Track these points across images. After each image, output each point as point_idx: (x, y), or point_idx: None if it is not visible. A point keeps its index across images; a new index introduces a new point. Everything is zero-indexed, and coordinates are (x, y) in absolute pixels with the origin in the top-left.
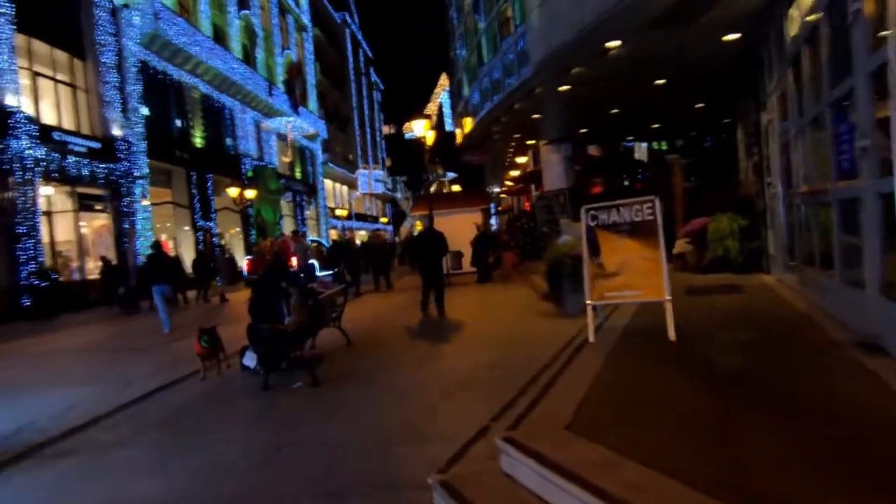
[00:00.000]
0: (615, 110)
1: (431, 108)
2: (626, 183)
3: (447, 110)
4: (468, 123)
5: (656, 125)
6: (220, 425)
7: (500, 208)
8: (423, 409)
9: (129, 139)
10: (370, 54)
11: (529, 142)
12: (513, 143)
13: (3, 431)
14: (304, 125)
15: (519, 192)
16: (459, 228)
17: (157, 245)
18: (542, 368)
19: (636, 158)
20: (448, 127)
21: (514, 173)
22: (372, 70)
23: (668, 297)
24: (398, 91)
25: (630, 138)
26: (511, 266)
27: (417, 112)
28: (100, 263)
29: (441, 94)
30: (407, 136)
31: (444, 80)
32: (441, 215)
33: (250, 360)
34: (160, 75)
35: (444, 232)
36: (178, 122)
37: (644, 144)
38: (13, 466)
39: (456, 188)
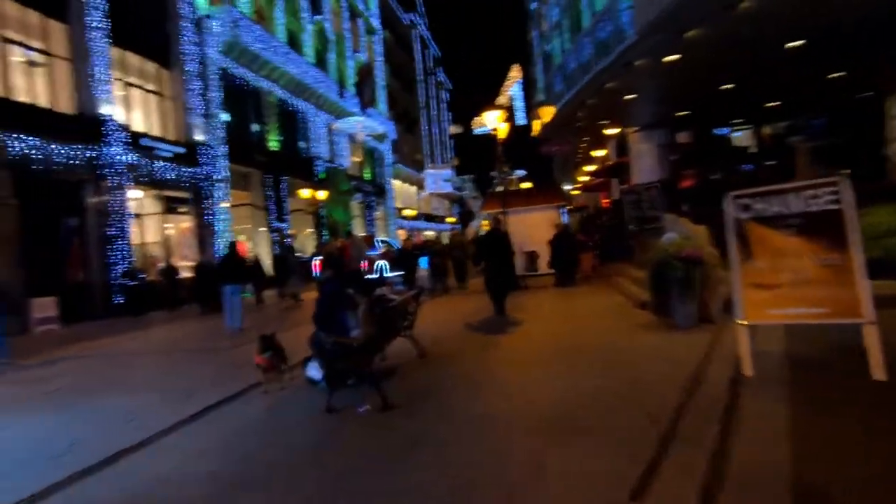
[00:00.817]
0: (728, 86)
1: (502, 101)
2: (720, 175)
3: (519, 103)
4: (547, 112)
5: (773, 103)
6: (274, 465)
7: (570, 207)
8: (527, 461)
9: (211, 144)
10: (438, 54)
11: (611, 131)
12: (586, 138)
13: (55, 450)
14: (374, 125)
15: (595, 189)
16: (535, 227)
17: (232, 246)
18: (679, 409)
19: (734, 146)
20: (519, 121)
21: (589, 168)
22: (440, 70)
23: (870, 319)
24: (466, 90)
25: (737, 122)
26: (590, 269)
27: (487, 106)
28: (185, 263)
29: (512, 87)
30: (476, 131)
31: (515, 72)
32: (515, 213)
33: (315, 371)
34: (239, 81)
35: (518, 231)
36: (255, 127)
37: (736, 133)
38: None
39: (525, 186)
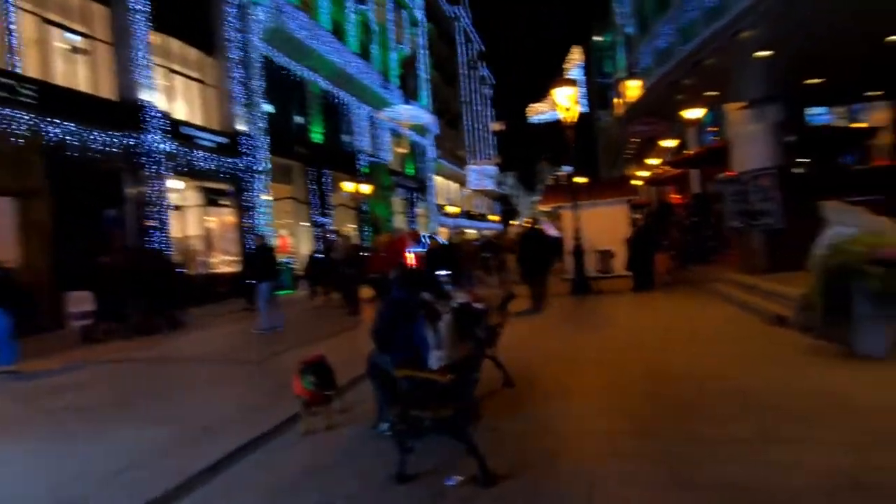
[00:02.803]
0: (892, 37)
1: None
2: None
3: (581, 89)
4: (633, 89)
5: None
6: None
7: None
8: None
9: (252, 134)
10: (482, 48)
11: (694, 114)
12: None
13: None
14: (419, 114)
15: (662, 182)
16: (605, 223)
17: (262, 240)
18: None
19: (853, 127)
20: (582, 108)
21: (652, 162)
22: (483, 65)
23: None
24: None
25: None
26: (665, 271)
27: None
28: (226, 258)
29: (572, 70)
30: (533, 119)
31: (577, 54)
32: (583, 208)
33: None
34: (282, 71)
35: (588, 228)
36: (298, 118)
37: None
38: None
39: (580, 181)
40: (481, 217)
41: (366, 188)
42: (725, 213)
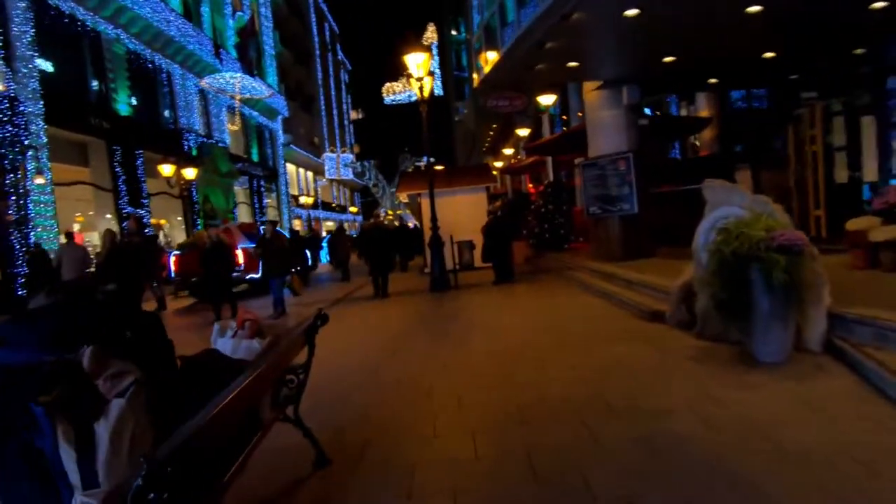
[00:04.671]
0: (753, 7)
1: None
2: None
3: (435, 70)
4: (489, 61)
5: (770, 54)
6: None
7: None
8: None
9: (16, 96)
10: (336, 30)
11: (547, 101)
12: (494, 127)
13: None
14: (255, 85)
15: (520, 171)
16: (465, 212)
17: (38, 247)
18: None
19: (693, 117)
20: (436, 90)
21: (507, 152)
22: (339, 48)
23: None
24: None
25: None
26: (523, 260)
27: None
28: None
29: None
30: (388, 100)
31: (430, 33)
32: (439, 195)
33: None
34: (65, 20)
35: (445, 218)
36: (96, 84)
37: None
38: None
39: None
40: (341, 209)
41: (191, 172)
42: (584, 199)
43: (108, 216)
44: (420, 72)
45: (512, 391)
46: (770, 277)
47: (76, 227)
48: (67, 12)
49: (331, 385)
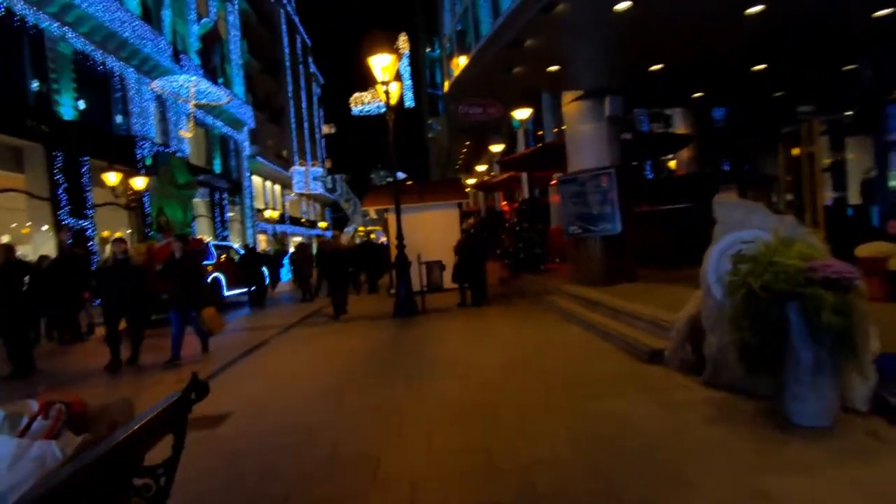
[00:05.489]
0: (754, 8)
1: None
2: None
3: (407, 81)
4: (461, 66)
5: (760, 66)
6: None
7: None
8: None
9: None
10: (308, 42)
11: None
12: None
13: None
14: (212, 90)
15: (494, 188)
16: (435, 229)
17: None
18: None
19: (675, 133)
20: (407, 102)
21: (480, 168)
22: (311, 60)
23: None
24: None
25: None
26: (498, 281)
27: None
28: None
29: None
30: (355, 111)
31: (402, 42)
32: (408, 211)
33: None
34: (0, 12)
35: (413, 236)
36: (36, 84)
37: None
38: None
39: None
40: (311, 224)
41: (140, 182)
42: (562, 218)
43: (45, 227)
44: (385, 76)
45: (486, 479)
46: (815, 320)
47: (5, 239)
48: (4, 4)
49: (251, 448)
